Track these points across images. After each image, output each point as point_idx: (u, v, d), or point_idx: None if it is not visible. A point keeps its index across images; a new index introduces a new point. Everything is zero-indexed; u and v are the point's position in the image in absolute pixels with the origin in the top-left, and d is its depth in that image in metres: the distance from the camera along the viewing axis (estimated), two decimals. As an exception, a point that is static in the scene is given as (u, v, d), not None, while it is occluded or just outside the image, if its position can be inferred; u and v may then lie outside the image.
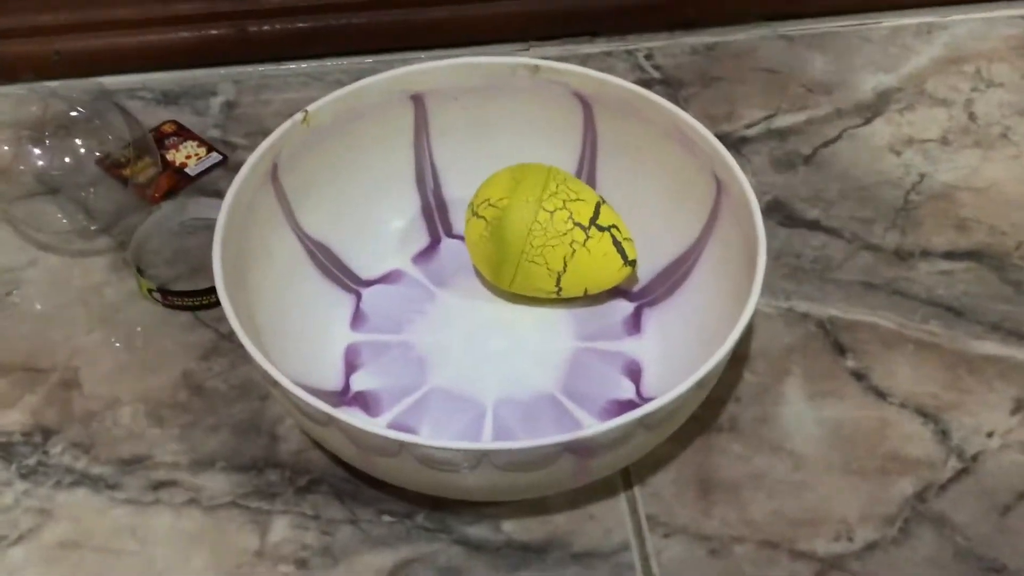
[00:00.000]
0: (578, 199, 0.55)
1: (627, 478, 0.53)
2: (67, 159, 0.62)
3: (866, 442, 0.54)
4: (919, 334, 0.58)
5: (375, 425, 0.46)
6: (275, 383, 0.46)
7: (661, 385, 0.51)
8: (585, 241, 0.54)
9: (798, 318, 0.59)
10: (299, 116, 0.55)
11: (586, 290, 0.56)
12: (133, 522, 0.51)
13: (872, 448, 0.54)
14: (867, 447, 0.54)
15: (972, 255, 0.62)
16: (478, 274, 0.59)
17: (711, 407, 0.55)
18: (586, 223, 0.54)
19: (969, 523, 0.51)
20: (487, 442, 0.51)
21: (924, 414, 0.55)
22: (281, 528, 0.51)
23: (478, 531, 0.51)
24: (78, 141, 0.63)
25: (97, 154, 0.63)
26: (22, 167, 0.62)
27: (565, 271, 0.54)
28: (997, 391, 0.56)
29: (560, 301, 0.57)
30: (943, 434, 0.54)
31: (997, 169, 0.66)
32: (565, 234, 0.54)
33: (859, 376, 0.57)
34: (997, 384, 0.56)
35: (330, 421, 0.45)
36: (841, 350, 0.58)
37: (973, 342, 0.58)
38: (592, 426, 0.45)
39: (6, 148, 0.63)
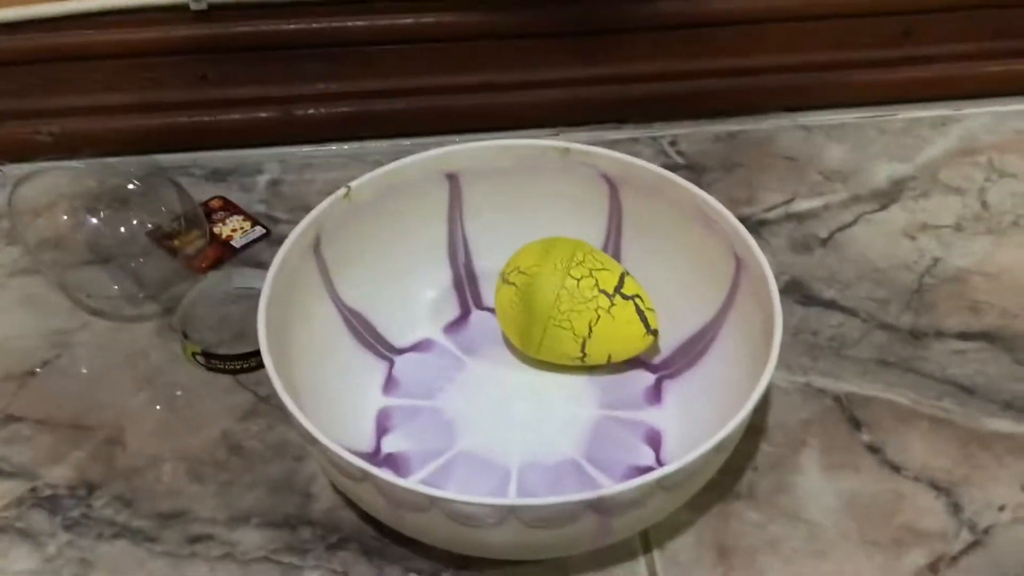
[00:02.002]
0: (604, 268, 0.57)
1: (646, 542, 0.54)
2: (121, 230, 0.66)
3: (880, 513, 0.56)
4: (933, 411, 0.60)
5: (407, 481, 0.48)
6: (313, 440, 0.49)
7: (680, 453, 0.53)
8: (610, 308, 0.57)
9: (815, 393, 0.61)
10: (342, 192, 0.59)
11: (610, 357, 0.58)
12: (170, 574, 0.53)
13: (886, 519, 0.55)
14: (881, 518, 0.55)
15: (984, 336, 0.64)
16: (506, 344, 0.62)
17: (729, 475, 0.56)
18: (611, 291, 0.57)
19: (981, 594, 0.52)
20: (514, 498, 0.53)
21: (937, 487, 0.57)
22: (312, 583, 0.53)
23: (502, 591, 0.53)
24: (131, 213, 0.67)
25: (149, 226, 0.67)
26: (78, 236, 0.66)
27: (590, 337, 0.57)
28: (1008, 467, 0.57)
29: (584, 369, 0.60)
30: (955, 507, 0.56)
31: (1009, 255, 0.69)
32: (591, 300, 0.56)
33: (874, 450, 0.58)
34: (1008, 460, 0.58)
35: (365, 477, 0.48)
36: (857, 424, 0.59)
37: (985, 419, 0.60)
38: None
39: (64, 218, 0.67)
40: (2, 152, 0.72)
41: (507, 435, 0.58)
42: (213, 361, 0.61)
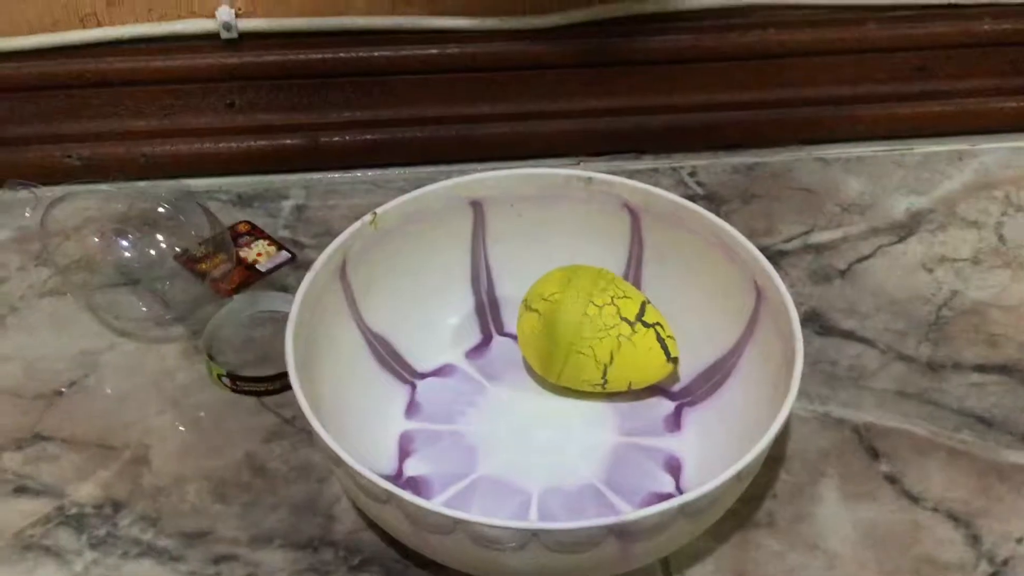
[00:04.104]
0: (625, 296, 0.58)
1: (667, 570, 0.55)
2: (149, 252, 0.67)
3: (899, 544, 0.56)
4: (951, 442, 0.60)
5: (431, 503, 0.49)
6: (339, 461, 0.49)
7: (700, 481, 0.53)
8: (631, 335, 0.57)
9: (833, 423, 0.61)
10: (368, 217, 0.60)
11: (630, 384, 0.59)
12: (194, 593, 0.54)
13: (905, 550, 0.56)
14: (900, 548, 0.56)
15: (1002, 369, 0.64)
16: (527, 369, 0.62)
17: (749, 504, 0.57)
18: (632, 319, 0.58)
19: (1000, 626, 0.53)
20: (536, 522, 0.54)
21: (956, 519, 0.57)
22: (334, 605, 0.54)
23: (522, 615, 0.53)
24: (160, 237, 0.68)
25: (176, 249, 0.68)
26: (107, 258, 0.67)
27: (612, 363, 0.58)
28: (1027, 499, 0.58)
29: (605, 395, 0.60)
30: (974, 539, 0.56)
31: (1026, 289, 0.69)
32: (612, 327, 0.57)
33: (892, 480, 0.59)
34: (1027, 492, 0.58)
35: (389, 498, 0.48)
36: (875, 455, 0.60)
37: (1004, 451, 0.60)
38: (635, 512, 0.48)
39: (94, 240, 0.68)
40: (32, 175, 0.73)
41: (528, 460, 0.58)
42: (238, 383, 0.62)
